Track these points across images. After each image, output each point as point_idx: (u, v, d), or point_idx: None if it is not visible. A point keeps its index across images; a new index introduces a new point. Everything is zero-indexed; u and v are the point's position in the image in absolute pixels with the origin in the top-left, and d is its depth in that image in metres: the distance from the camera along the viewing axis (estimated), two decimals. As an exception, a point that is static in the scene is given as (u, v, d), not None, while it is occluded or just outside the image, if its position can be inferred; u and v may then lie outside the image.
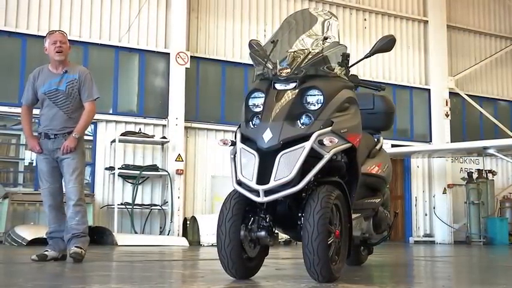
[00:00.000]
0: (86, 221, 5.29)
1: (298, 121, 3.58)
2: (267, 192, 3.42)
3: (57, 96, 5.28)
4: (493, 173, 13.90)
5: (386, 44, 4.01)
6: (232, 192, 3.62)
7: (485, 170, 13.80)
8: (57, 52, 5.27)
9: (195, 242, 10.32)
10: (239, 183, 3.54)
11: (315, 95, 3.62)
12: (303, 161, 3.41)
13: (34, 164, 11.55)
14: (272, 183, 3.40)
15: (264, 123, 3.57)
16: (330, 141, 3.47)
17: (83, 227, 5.24)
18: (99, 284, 3.50)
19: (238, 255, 3.54)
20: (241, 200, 3.56)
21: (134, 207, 10.84)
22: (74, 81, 5.33)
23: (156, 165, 11.21)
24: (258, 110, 3.68)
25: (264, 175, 3.45)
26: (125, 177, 11.02)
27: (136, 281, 3.76)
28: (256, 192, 3.44)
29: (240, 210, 3.55)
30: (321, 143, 3.48)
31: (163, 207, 11.03)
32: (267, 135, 3.50)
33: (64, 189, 5.30)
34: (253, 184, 3.43)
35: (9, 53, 10.72)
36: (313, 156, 3.49)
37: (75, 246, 5.11)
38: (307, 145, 3.44)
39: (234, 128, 12.26)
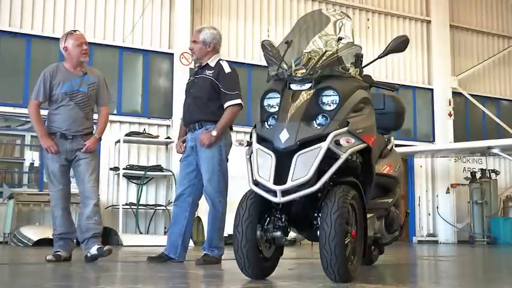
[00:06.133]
0: (101, 222, 5.35)
1: (314, 121, 3.59)
2: (284, 193, 3.43)
3: (81, 98, 5.32)
4: (496, 172, 13.90)
5: (400, 45, 4.04)
6: (248, 192, 3.63)
7: (489, 170, 13.81)
8: (83, 54, 5.36)
9: (199, 242, 10.31)
10: (256, 183, 3.55)
11: (330, 96, 3.63)
12: (319, 161, 3.42)
13: (35, 165, 11.57)
14: (289, 184, 3.41)
15: (280, 123, 3.58)
16: (347, 142, 3.48)
17: (101, 227, 5.30)
18: (118, 285, 3.52)
19: (254, 255, 3.55)
20: (257, 200, 3.56)
21: (139, 207, 10.84)
22: (94, 84, 5.42)
23: (160, 165, 11.22)
24: (273, 110, 3.69)
25: (280, 175, 3.45)
26: (129, 178, 11.02)
27: (154, 281, 3.77)
28: (273, 193, 3.45)
29: (256, 210, 3.56)
30: (337, 143, 3.49)
31: (168, 208, 11.03)
32: (284, 136, 3.51)
33: (80, 189, 5.30)
34: (270, 184, 3.44)
35: (14, 53, 10.70)
36: (328, 157, 3.49)
37: (100, 244, 5.17)
38: (324, 145, 3.45)
39: (238, 128, 12.23)
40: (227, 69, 5.32)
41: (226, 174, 5.29)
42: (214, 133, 5.15)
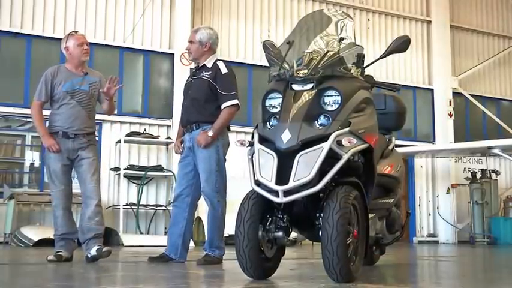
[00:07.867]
0: (103, 222, 5.34)
1: (316, 122, 3.59)
2: (286, 193, 3.43)
3: (81, 96, 5.37)
4: (497, 172, 13.89)
5: (401, 45, 4.04)
6: (250, 192, 3.63)
7: (489, 170, 13.80)
8: (84, 53, 5.42)
9: (200, 243, 10.31)
10: (257, 183, 3.55)
11: (332, 96, 3.63)
12: (321, 162, 3.42)
13: (36, 165, 11.58)
14: (291, 184, 3.41)
15: (282, 123, 3.58)
16: (349, 142, 3.48)
17: (102, 228, 5.30)
18: (119, 285, 3.51)
19: (256, 255, 3.55)
20: (259, 201, 3.56)
21: (139, 207, 10.84)
22: (95, 83, 5.48)
23: (161, 165, 11.23)
24: (275, 110, 3.69)
25: (282, 176, 3.45)
26: (130, 178, 11.02)
27: (155, 281, 3.77)
28: (275, 193, 3.45)
29: (258, 210, 3.56)
30: (339, 143, 3.49)
31: (168, 208, 11.02)
32: (286, 136, 3.51)
33: (81, 189, 5.31)
34: (272, 185, 3.44)
35: (14, 53, 10.69)
36: (330, 157, 3.49)
37: (100, 244, 5.17)
38: (325, 146, 3.45)
39: (239, 128, 12.26)
40: (224, 70, 5.34)
41: (224, 174, 5.30)
42: (210, 133, 5.16)
